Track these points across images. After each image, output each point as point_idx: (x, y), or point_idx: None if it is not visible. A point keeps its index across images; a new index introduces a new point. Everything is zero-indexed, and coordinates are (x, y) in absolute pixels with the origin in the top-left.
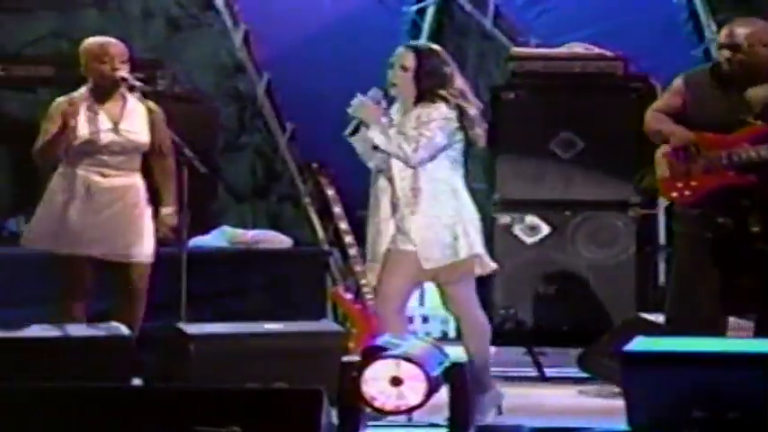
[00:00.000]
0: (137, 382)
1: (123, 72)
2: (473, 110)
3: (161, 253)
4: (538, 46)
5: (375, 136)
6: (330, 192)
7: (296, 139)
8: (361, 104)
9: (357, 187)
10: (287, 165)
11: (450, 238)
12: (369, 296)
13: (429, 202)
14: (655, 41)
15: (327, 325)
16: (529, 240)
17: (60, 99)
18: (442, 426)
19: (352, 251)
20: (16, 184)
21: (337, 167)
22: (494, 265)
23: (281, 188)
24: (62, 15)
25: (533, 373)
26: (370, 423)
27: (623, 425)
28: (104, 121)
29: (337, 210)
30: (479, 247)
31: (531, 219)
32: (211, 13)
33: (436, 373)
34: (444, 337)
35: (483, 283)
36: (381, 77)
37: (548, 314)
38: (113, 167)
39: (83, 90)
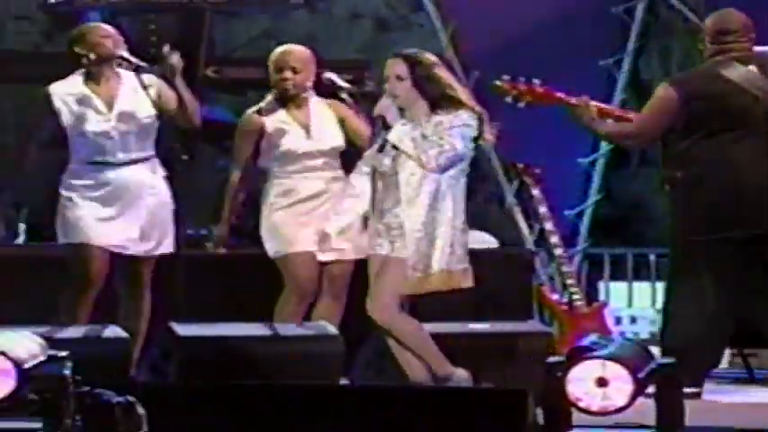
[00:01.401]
0: (343, 381)
1: (329, 73)
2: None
3: None
4: None
5: (400, 136)
6: (535, 192)
7: (502, 138)
8: (387, 106)
9: (563, 188)
10: (492, 165)
11: (432, 249)
12: (576, 296)
13: (427, 210)
14: None
15: (534, 325)
16: None
17: (250, 113)
18: (649, 427)
19: (558, 251)
20: (223, 186)
21: (542, 167)
22: (468, 283)
23: (488, 188)
24: (273, 17)
25: (743, 374)
26: (575, 424)
27: None
28: (296, 131)
29: (543, 210)
30: (455, 263)
31: None
32: (420, 13)
33: (643, 374)
34: (653, 338)
35: None
36: (589, 77)
37: (759, 315)
38: (318, 169)
39: (269, 98)
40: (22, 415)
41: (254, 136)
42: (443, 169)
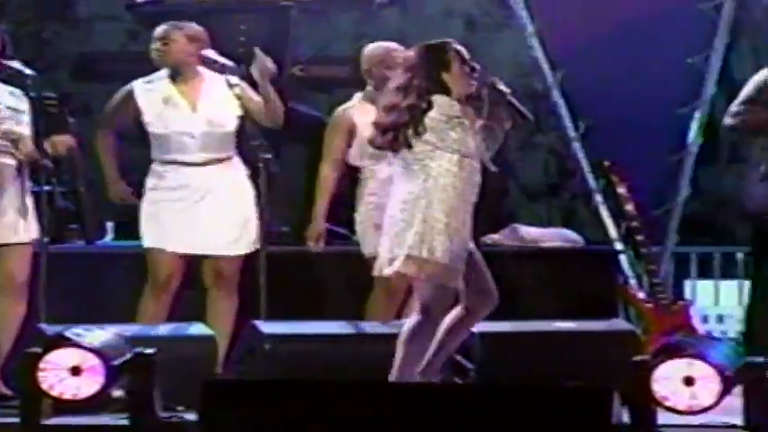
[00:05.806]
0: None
1: None
2: None
3: None
4: None
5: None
6: (621, 190)
7: (589, 136)
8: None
9: (649, 185)
10: (579, 162)
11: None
12: (662, 295)
13: None
14: None
15: (618, 324)
16: None
17: (341, 111)
18: (738, 427)
19: (645, 249)
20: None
21: (629, 165)
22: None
23: (573, 186)
24: (360, 16)
25: None
26: (660, 423)
27: None
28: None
29: (629, 208)
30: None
31: None
32: (507, 12)
33: (730, 372)
34: (740, 337)
35: None
36: (677, 75)
37: None
38: None
39: (358, 96)
40: (108, 411)
41: (346, 133)
42: None
